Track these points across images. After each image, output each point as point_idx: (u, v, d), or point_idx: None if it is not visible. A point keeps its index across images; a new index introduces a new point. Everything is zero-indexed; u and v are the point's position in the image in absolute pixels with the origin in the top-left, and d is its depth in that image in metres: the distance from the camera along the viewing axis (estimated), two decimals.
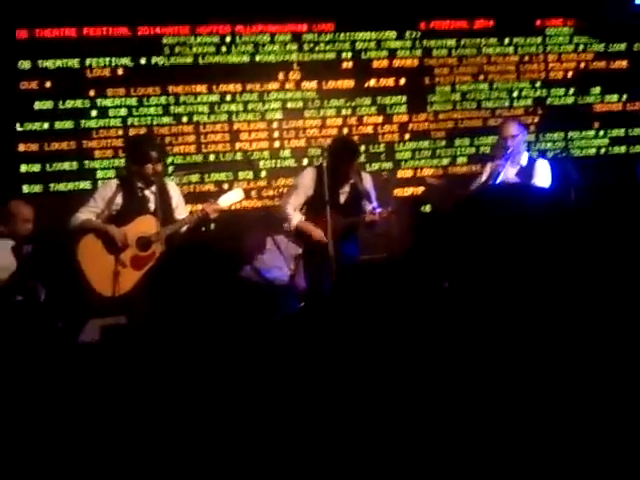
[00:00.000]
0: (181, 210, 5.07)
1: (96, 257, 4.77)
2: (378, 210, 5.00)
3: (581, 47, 7.29)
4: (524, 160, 5.33)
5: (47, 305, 4.87)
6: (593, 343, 0.78)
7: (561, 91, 7.25)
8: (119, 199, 4.88)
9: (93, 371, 1.87)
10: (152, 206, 4.87)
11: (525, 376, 0.75)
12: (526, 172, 5.21)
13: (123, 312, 4.64)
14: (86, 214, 4.86)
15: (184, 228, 4.94)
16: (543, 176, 5.24)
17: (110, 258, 4.78)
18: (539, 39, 7.20)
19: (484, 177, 5.32)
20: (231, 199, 5.15)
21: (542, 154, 5.85)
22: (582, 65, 7.31)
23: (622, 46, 7.36)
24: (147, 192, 4.91)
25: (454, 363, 0.80)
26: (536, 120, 7.18)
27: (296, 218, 5.10)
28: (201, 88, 6.41)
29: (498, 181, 5.02)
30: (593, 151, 7.30)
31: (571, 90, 7.27)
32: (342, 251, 4.93)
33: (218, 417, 1.55)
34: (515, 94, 7.16)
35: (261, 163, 6.56)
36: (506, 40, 7.11)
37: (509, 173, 5.14)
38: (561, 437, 0.73)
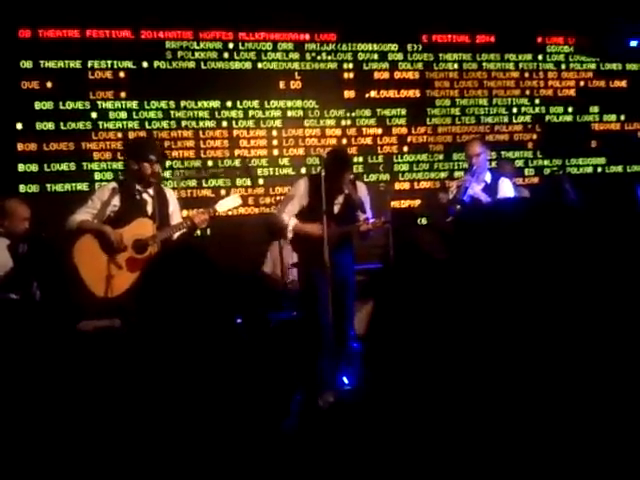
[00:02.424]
0: (177, 216, 5.06)
1: (92, 258, 4.75)
2: (371, 220, 5.04)
3: (581, 65, 7.35)
4: (488, 177, 5.59)
5: (42, 304, 4.86)
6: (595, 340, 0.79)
7: (560, 109, 7.30)
8: (117, 201, 4.87)
9: (86, 370, 1.86)
10: (150, 209, 4.86)
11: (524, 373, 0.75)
12: (491, 189, 5.49)
13: (118, 314, 4.63)
14: (83, 215, 4.85)
15: (178, 233, 4.92)
16: (507, 193, 5.52)
17: (106, 259, 4.77)
18: (540, 56, 7.26)
19: (453, 192, 5.56)
20: (228, 205, 5.13)
21: (505, 174, 5.96)
22: (582, 83, 7.36)
23: (621, 65, 7.43)
24: (145, 195, 4.89)
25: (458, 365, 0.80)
26: (534, 137, 7.23)
27: (292, 222, 5.11)
28: (202, 94, 6.43)
29: (466, 196, 5.32)
30: (590, 170, 7.35)
31: (570, 108, 7.32)
32: (336, 260, 4.93)
33: (207, 419, 1.55)
34: (514, 110, 7.21)
35: (259, 170, 6.57)
36: (506, 56, 7.17)
37: (475, 189, 5.39)
38: (561, 436, 0.74)
